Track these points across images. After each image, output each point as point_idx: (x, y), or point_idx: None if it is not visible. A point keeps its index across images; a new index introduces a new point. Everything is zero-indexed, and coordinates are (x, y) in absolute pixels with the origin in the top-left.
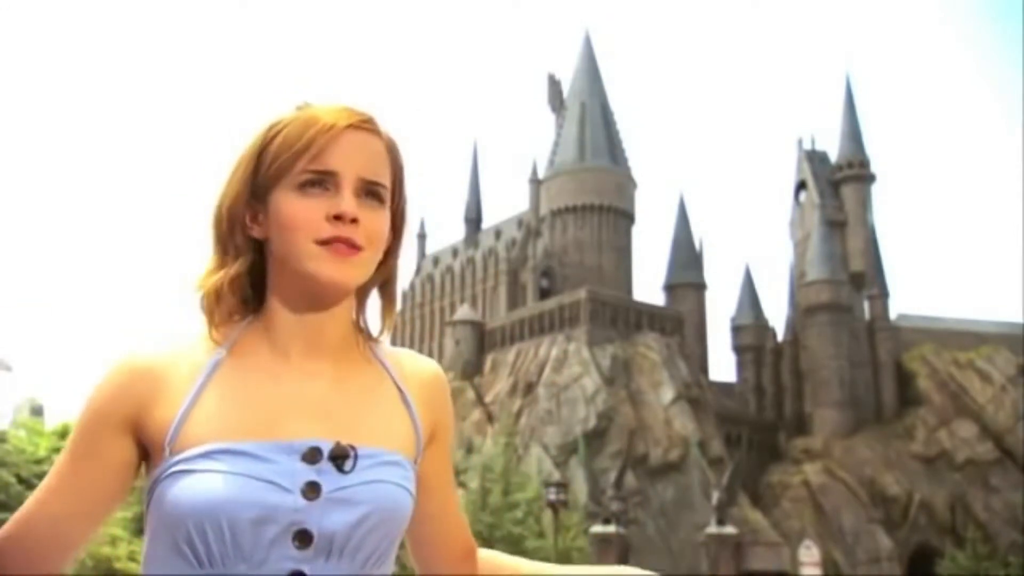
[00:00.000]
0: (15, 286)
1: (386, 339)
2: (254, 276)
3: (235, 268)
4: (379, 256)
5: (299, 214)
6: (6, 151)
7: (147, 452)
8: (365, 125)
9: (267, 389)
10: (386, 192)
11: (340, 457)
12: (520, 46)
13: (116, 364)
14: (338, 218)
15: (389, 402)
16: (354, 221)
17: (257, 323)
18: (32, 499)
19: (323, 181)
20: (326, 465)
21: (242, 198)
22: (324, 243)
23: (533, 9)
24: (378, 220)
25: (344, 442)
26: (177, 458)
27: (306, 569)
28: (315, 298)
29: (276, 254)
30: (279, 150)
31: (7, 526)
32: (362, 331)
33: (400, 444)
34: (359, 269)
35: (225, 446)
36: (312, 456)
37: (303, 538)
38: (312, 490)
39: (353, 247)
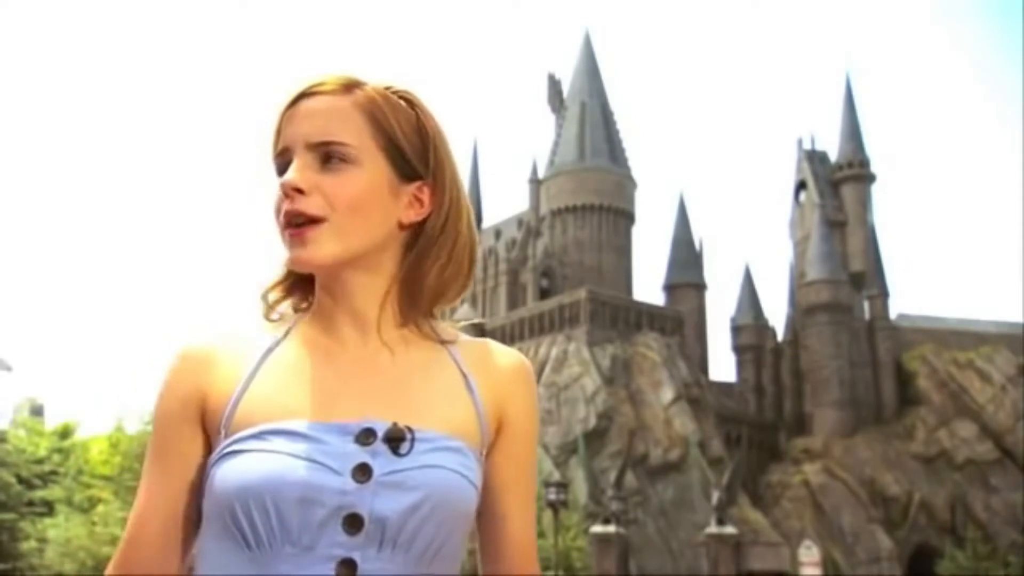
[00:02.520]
0: (15, 286)
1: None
2: None
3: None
4: (362, 220)
5: (274, 205)
6: (6, 151)
7: (208, 434)
8: (317, 89)
9: (322, 369)
10: (351, 150)
11: (396, 439)
12: (520, 46)
13: (174, 358)
14: (286, 195)
15: (451, 387)
16: (297, 191)
17: (312, 311)
18: (132, 516)
19: (286, 167)
20: (380, 447)
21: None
22: (288, 226)
23: (533, 9)
24: (342, 182)
25: (401, 424)
26: (230, 440)
27: (357, 557)
28: (321, 282)
29: None
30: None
31: (117, 556)
32: (424, 313)
33: (462, 430)
34: (319, 244)
35: (276, 426)
36: (366, 437)
37: (353, 523)
38: (362, 472)
39: (306, 222)
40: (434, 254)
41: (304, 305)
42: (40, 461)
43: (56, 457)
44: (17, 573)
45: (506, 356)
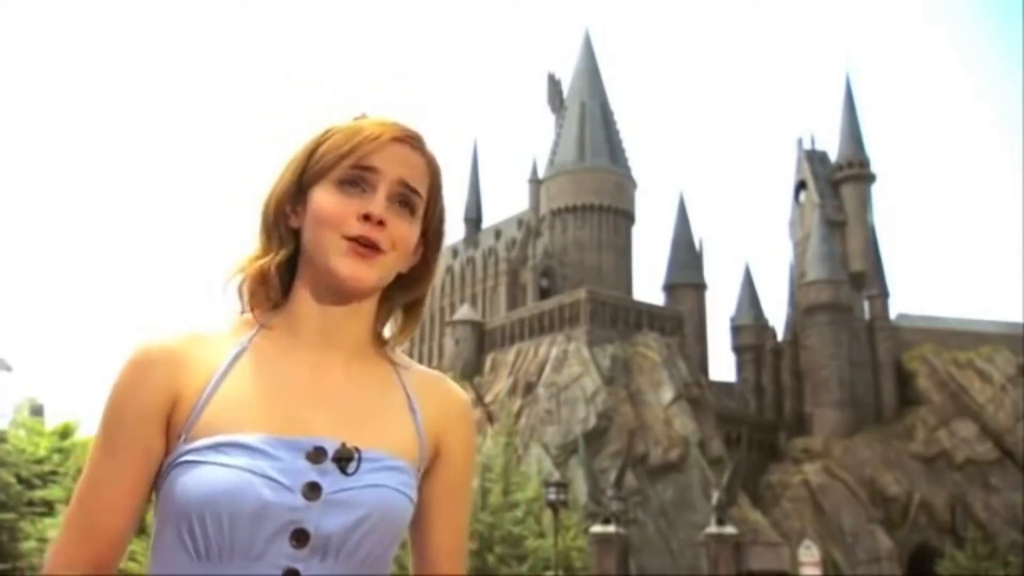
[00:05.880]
0: (15, 286)
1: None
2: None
3: (282, 254)
4: (401, 262)
5: (332, 208)
6: (6, 151)
7: (169, 434)
8: (410, 139)
9: (282, 381)
10: (419, 203)
11: (344, 459)
12: (520, 46)
13: (139, 351)
14: (367, 218)
15: (396, 407)
16: (381, 223)
17: (281, 312)
18: (73, 505)
19: (360, 182)
20: (329, 466)
21: (289, 192)
22: (350, 239)
23: (533, 9)
24: (405, 227)
25: (349, 444)
26: (188, 447)
27: (301, 568)
28: (335, 293)
29: (306, 246)
30: (326, 151)
31: (55, 544)
32: (382, 340)
33: (403, 450)
34: (377, 270)
35: (233, 439)
36: (316, 456)
37: (300, 537)
38: (313, 490)
39: (375, 248)
40: (424, 300)
41: (265, 306)
42: (40, 461)
43: (56, 457)
44: (17, 573)
45: (452, 392)
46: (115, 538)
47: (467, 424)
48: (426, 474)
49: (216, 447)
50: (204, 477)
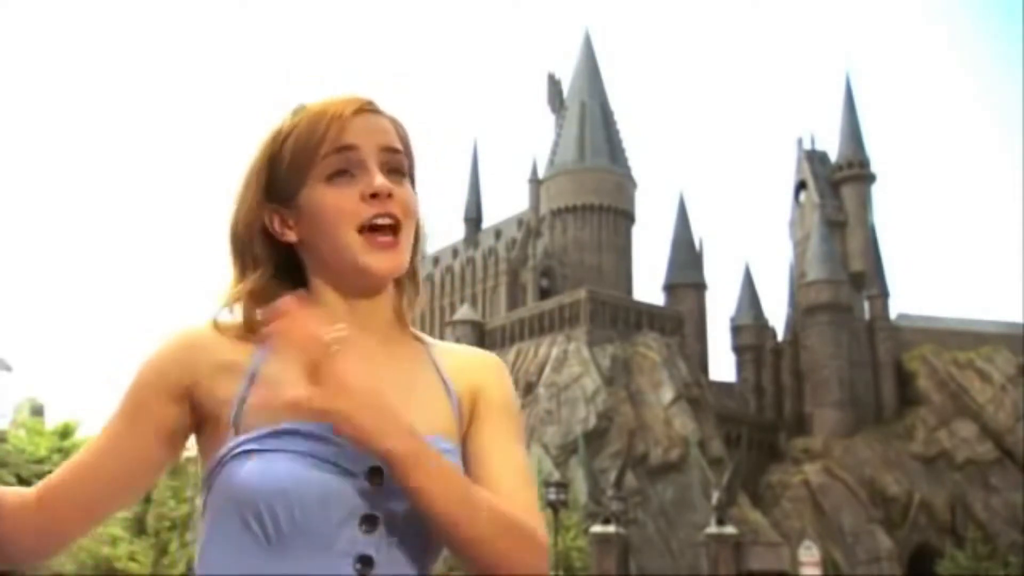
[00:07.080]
0: (15, 286)
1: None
2: (287, 271)
3: (253, 280)
4: (413, 230)
5: (334, 203)
6: (6, 152)
7: (199, 425)
8: (369, 107)
9: None
10: (406, 162)
11: None
12: (520, 46)
13: (174, 334)
14: (374, 196)
15: (432, 386)
16: (390, 196)
17: (306, 299)
18: (79, 457)
19: (348, 167)
20: None
21: (256, 209)
22: (365, 230)
23: (533, 9)
24: (407, 192)
25: None
26: (244, 437)
27: (373, 552)
28: (363, 289)
29: (317, 252)
30: (295, 149)
31: (53, 479)
32: (404, 319)
33: (447, 429)
34: (402, 253)
35: (293, 426)
36: None
37: (370, 522)
38: (375, 475)
39: (394, 228)
40: (419, 268)
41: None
42: (40, 461)
43: (56, 457)
44: (17, 573)
45: (478, 353)
46: (93, 504)
47: (498, 374)
48: (465, 438)
49: (275, 435)
50: (267, 465)
